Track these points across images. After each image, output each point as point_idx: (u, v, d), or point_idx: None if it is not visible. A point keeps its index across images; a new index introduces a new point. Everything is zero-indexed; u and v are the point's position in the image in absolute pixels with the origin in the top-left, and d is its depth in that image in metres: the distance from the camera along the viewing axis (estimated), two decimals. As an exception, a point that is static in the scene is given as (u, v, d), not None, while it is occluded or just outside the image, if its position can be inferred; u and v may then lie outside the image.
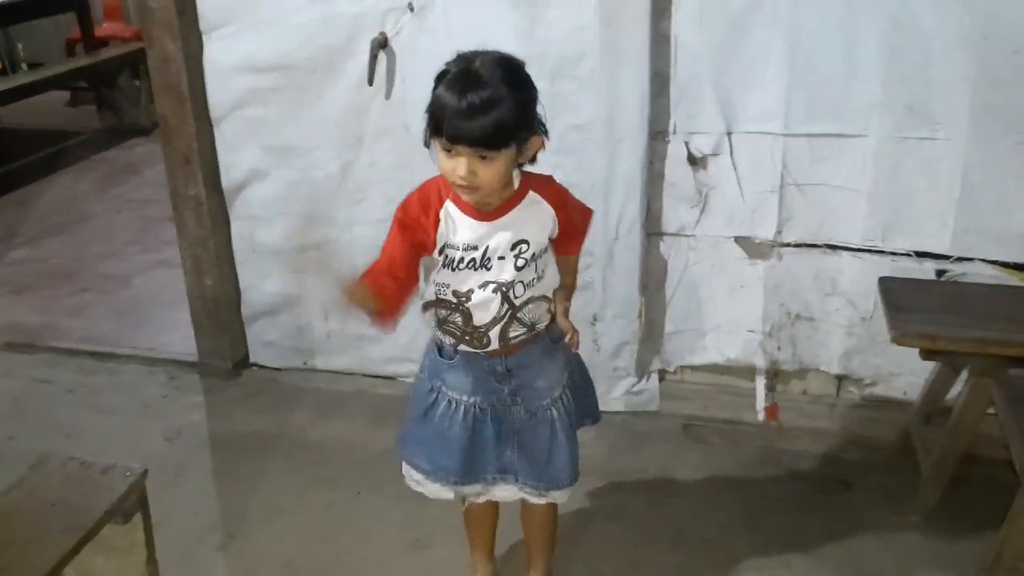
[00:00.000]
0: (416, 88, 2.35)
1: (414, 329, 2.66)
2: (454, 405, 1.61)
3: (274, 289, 2.72)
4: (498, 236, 1.49)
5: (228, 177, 2.59)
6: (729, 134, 2.24)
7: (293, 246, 2.64)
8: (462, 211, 1.49)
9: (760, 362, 2.42)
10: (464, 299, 1.53)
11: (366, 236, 2.56)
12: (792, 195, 2.26)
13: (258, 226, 2.64)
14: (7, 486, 1.61)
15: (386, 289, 1.50)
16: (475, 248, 1.49)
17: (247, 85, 2.47)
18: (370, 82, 2.36)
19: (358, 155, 2.48)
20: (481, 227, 1.49)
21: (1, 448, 2.35)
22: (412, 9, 2.31)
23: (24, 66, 6.16)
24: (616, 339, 2.42)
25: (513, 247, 1.50)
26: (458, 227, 1.49)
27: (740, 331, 2.40)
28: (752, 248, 2.33)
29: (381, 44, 2.34)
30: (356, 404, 2.65)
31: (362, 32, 2.35)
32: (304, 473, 2.34)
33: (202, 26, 2.43)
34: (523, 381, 1.62)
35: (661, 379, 2.51)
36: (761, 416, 2.45)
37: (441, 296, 1.55)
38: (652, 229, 2.36)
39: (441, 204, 1.50)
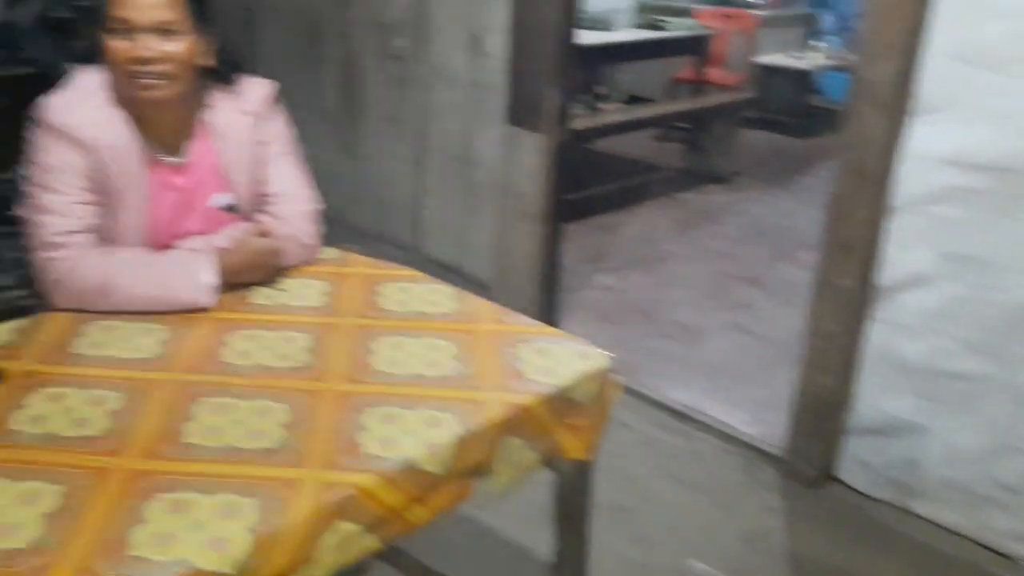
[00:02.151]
0: None
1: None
2: None
3: (894, 409, 2.34)
4: None
5: (887, 274, 2.27)
6: None
7: (936, 370, 2.24)
8: None
9: None
10: None
11: (1038, 384, 2.08)
12: None
13: (902, 336, 2.28)
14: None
15: None
16: None
17: (946, 180, 2.12)
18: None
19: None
20: None
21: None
22: None
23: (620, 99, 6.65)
24: None
25: None
26: None
27: None
28: None
29: None
30: (964, 578, 2.18)
31: None
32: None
33: (913, 107, 2.14)
34: None
35: None
36: None
37: None
38: None
39: None
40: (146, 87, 1.55)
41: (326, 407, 1.32)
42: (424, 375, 1.42)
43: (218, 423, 1.27)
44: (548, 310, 3.15)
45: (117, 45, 1.52)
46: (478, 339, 1.54)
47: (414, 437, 1.26)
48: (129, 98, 1.58)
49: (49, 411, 1.28)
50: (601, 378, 1.48)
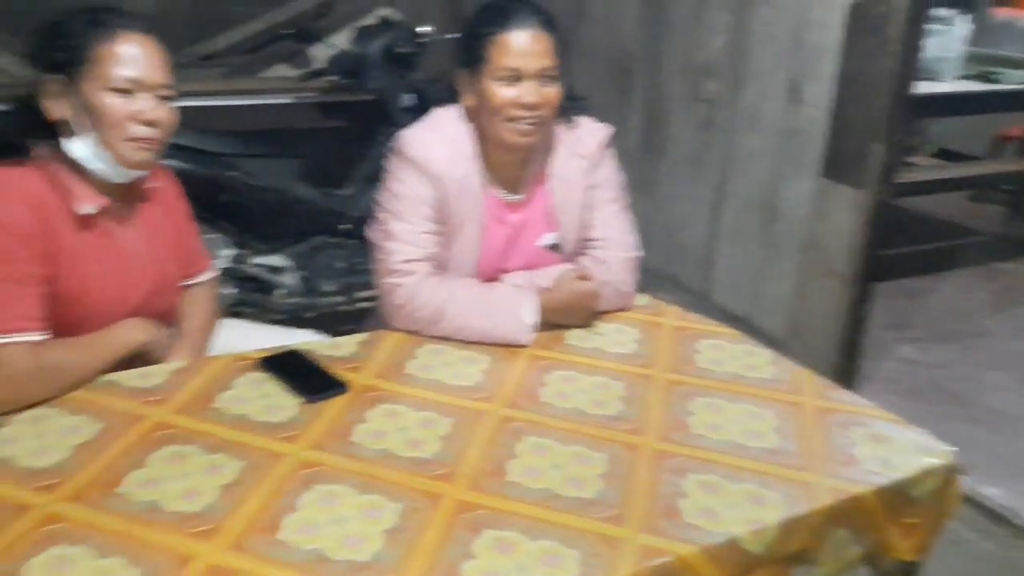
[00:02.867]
0: None
1: None
2: None
3: None
4: None
5: None
6: None
7: None
8: None
9: None
10: None
11: None
12: None
13: None
14: None
15: None
16: None
17: None
18: None
19: None
20: None
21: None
22: None
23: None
24: None
25: None
26: None
27: None
28: None
29: None
30: None
31: None
32: None
33: None
34: None
35: None
36: None
37: None
38: None
39: None
40: (523, 132, 1.62)
41: (643, 464, 1.29)
42: (745, 445, 1.35)
43: (538, 464, 1.28)
44: (846, 376, 2.94)
45: (503, 92, 1.60)
46: (803, 413, 1.45)
47: (737, 512, 1.19)
48: (497, 140, 1.66)
49: (386, 427, 1.35)
50: (944, 476, 1.33)
